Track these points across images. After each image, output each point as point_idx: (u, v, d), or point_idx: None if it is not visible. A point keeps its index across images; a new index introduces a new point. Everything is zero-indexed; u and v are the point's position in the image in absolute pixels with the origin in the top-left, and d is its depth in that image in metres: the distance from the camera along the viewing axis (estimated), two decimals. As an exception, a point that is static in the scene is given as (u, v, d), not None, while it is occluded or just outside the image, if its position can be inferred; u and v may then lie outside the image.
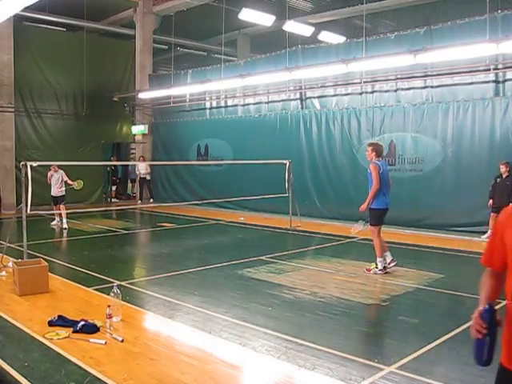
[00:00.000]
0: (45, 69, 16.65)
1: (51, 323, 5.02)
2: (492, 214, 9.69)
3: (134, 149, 19.47)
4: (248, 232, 11.98)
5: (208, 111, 16.97)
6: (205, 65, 17.31)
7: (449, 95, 11.21)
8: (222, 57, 17.53)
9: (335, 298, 6.16)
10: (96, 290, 6.47)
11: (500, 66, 10.56)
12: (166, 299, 6.08)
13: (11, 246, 8.19)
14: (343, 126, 12.93)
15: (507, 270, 1.99)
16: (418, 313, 5.74)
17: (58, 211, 12.05)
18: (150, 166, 17.99)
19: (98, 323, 4.97)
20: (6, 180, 15.28)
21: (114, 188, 20.11)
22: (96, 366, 4.07)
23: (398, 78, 12.00)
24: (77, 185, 11.99)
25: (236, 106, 16.10)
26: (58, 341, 4.63)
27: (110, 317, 4.95)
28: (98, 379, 3.84)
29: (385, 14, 17.05)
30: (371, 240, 7.59)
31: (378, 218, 7.36)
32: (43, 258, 7.02)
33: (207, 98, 16.84)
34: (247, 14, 14.63)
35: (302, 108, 14.14)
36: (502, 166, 9.80)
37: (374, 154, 7.40)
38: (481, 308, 1.98)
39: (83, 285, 6.73)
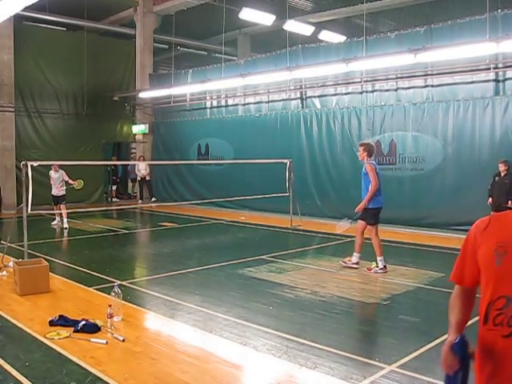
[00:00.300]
0: (45, 68, 16.65)
1: (52, 323, 5.02)
2: (492, 212, 9.69)
3: (135, 148, 19.48)
4: (249, 231, 11.98)
5: (208, 111, 16.97)
6: (205, 64, 17.30)
7: (449, 94, 11.21)
8: (223, 56, 17.55)
9: (336, 297, 6.16)
10: (97, 289, 6.47)
11: (500, 65, 10.55)
12: (167, 299, 6.08)
13: (12, 245, 8.20)
14: (344, 126, 12.93)
15: (480, 289, 1.83)
16: (419, 312, 5.75)
17: (59, 211, 12.05)
18: (150, 165, 17.99)
19: (99, 323, 4.97)
20: (6, 180, 15.29)
21: (114, 188, 20.10)
22: (97, 365, 4.08)
23: (398, 77, 11.99)
24: (77, 184, 12.00)
25: (236, 105, 16.09)
26: (59, 340, 4.63)
27: (110, 316, 4.95)
28: (99, 379, 3.84)
29: (385, 13, 17.06)
30: (369, 239, 7.62)
31: (375, 217, 7.45)
32: (44, 258, 7.03)
33: (208, 98, 16.84)
34: (247, 14, 14.64)
35: (302, 107, 14.14)
36: (500, 165, 9.81)
37: (366, 153, 7.50)
38: (451, 340, 1.82)
39: (84, 284, 6.74)
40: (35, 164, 8.38)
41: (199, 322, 5.23)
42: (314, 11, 17.78)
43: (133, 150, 19.94)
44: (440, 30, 11.10)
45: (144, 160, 17.99)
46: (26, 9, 10.75)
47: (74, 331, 4.81)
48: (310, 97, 14.02)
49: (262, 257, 8.56)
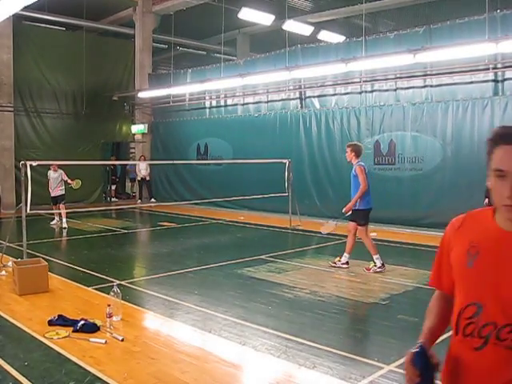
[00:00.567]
0: (44, 68, 16.63)
1: (51, 323, 5.02)
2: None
3: (134, 148, 19.46)
4: (248, 231, 11.99)
5: (207, 110, 16.96)
6: (204, 64, 17.30)
7: (448, 94, 11.21)
8: (222, 56, 17.55)
9: (335, 296, 6.17)
10: (96, 289, 6.47)
11: (499, 66, 10.56)
12: (166, 298, 6.09)
13: (11, 245, 8.19)
14: (343, 126, 12.93)
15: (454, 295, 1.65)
16: (418, 311, 5.73)
17: (58, 211, 12.05)
18: (150, 165, 17.97)
19: (98, 322, 4.98)
20: (5, 179, 15.27)
21: (113, 187, 20.10)
22: (96, 365, 4.08)
23: (397, 78, 12.00)
24: (75, 184, 11.97)
25: (236, 105, 16.09)
26: (58, 340, 4.63)
27: (109, 316, 4.96)
28: (98, 378, 3.84)
29: (384, 13, 17.06)
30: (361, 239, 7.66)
31: (365, 217, 7.51)
32: (43, 258, 7.03)
33: (207, 98, 16.83)
34: (247, 14, 14.63)
35: (301, 107, 14.14)
36: None
37: (354, 154, 7.56)
38: (412, 350, 1.60)
39: (83, 284, 6.74)
40: (34, 164, 8.38)
41: (198, 321, 5.23)
42: (314, 11, 17.78)
43: (132, 150, 19.93)
44: (439, 30, 11.10)
45: (145, 160, 17.97)
46: (25, 8, 10.74)
47: (73, 331, 4.81)
48: (309, 97, 14.02)
49: (261, 257, 8.56)
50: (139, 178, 18.25)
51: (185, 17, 17.32)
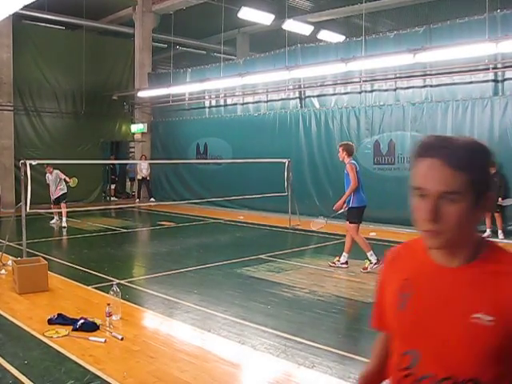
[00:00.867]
0: (44, 67, 16.62)
1: (51, 321, 5.03)
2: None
3: (133, 147, 19.46)
4: (247, 231, 11.99)
5: (207, 110, 16.96)
6: (204, 63, 17.29)
7: (448, 94, 11.21)
8: (222, 55, 17.53)
9: (334, 296, 6.17)
10: (95, 288, 6.48)
11: (499, 66, 10.56)
12: (166, 297, 6.09)
13: (11, 244, 8.19)
14: (342, 125, 12.93)
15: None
16: (417, 311, 5.74)
17: (57, 210, 12.04)
18: (149, 165, 17.96)
19: (98, 321, 4.98)
20: (5, 179, 15.26)
21: (113, 187, 20.10)
22: (96, 363, 4.08)
23: (397, 77, 12.00)
24: (72, 182, 11.94)
25: (235, 104, 16.09)
26: (58, 339, 4.63)
27: (109, 315, 4.96)
28: (98, 377, 3.85)
29: (384, 13, 17.05)
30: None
31: (358, 215, 7.55)
32: (42, 257, 7.04)
33: (206, 97, 16.82)
34: (246, 13, 14.63)
35: (301, 107, 14.14)
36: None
37: (345, 153, 7.59)
38: None
39: (83, 283, 6.74)
40: (34, 163, 8.38)
41: (197, 320, 5.23)
42: (313, 11, 17.78)
43: (131, 150, 19.91)
44: (439, 30, 11.11)
45: (146, 159, 17.96)
46: (25, 7, 10.71)
47: (73, 330, 4.81)
48: (309, 96, 14.02)
49: (260, 256, 8.57)
50: (140, 178, 18.24)
51: (184, 16, 17.32)
